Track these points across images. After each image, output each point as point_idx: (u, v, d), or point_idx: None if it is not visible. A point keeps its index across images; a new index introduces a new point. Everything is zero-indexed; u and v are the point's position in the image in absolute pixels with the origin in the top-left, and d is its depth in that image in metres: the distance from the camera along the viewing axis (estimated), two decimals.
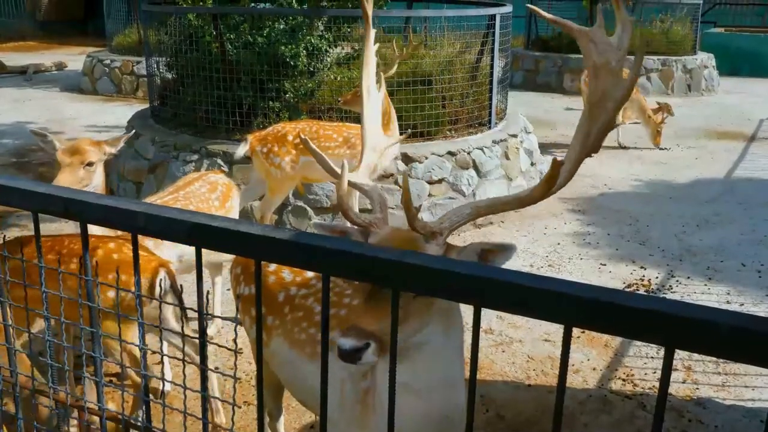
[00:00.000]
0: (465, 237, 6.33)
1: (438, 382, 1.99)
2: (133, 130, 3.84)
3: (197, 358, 3.35)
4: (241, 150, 5.48)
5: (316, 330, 2.52)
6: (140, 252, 3.49)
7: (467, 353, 1.65)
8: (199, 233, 1.52)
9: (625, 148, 9.74)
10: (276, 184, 5.50)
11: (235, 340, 1.82)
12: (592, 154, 1.96)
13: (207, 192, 4.32)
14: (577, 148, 1.95)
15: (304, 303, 2.61)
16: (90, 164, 3.67)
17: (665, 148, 9.71)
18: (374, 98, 2.22)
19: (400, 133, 5.49)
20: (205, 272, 3.45)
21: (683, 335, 1.13)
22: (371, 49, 2.31)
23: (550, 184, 1.78)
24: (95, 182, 3.72)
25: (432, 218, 6.39)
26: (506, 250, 1.82)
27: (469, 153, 6.83)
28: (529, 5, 2.15)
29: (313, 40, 6.86)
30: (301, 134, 2.37)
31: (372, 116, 2.17)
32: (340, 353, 1.63)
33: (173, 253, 3.99)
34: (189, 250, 3.74)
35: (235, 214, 4.52)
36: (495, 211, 1.97)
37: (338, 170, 2.08)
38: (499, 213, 2.03)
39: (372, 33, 2.33)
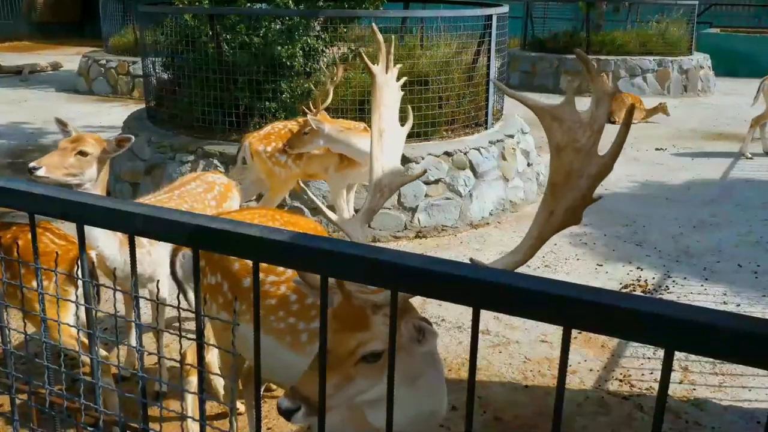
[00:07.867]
0: (461, 237, 6.34)
1: (414, 420, 2.06)
2: (133, 139, 3.75)
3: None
4: (242, 154, 5.42)
5: (296, 319, 2.56)
6: (59, 242, 3.45)
7: (466, 354, 1.64)
8: (198, 235, 1.51)
9: None
10: (279, 184, 5.45)
11: (233, 342, 1.81)
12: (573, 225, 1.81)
13: (203, 192, 4.27)
14: (535, 230, 1.79)
15: (277, 291, 2.63)
16: (82, 153, 3.51)
17: (661, 149, 9.72)
18: (389, 138, 2.14)
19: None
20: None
21: (684, 337, 1.12)
22: (380, 92, 2.25)
23: None
24: (89, 176, 3.55)
25: (429, 219, 6.41)
26: (432, 335, 1.89)
27: (465, 153, 6.82)
28: (494, 80, 2.12)
29: (309, 41, 6.86)
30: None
31: (382, 157, 2.09)
32: (278, 409, 1.80)
33: (166, 251, 3.95)
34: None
35: None
36: None
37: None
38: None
39: (381, 85, 2.25)
